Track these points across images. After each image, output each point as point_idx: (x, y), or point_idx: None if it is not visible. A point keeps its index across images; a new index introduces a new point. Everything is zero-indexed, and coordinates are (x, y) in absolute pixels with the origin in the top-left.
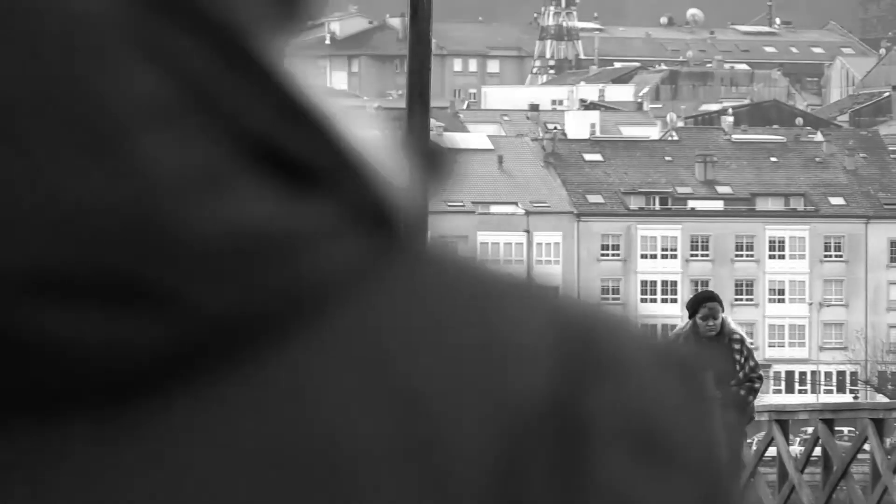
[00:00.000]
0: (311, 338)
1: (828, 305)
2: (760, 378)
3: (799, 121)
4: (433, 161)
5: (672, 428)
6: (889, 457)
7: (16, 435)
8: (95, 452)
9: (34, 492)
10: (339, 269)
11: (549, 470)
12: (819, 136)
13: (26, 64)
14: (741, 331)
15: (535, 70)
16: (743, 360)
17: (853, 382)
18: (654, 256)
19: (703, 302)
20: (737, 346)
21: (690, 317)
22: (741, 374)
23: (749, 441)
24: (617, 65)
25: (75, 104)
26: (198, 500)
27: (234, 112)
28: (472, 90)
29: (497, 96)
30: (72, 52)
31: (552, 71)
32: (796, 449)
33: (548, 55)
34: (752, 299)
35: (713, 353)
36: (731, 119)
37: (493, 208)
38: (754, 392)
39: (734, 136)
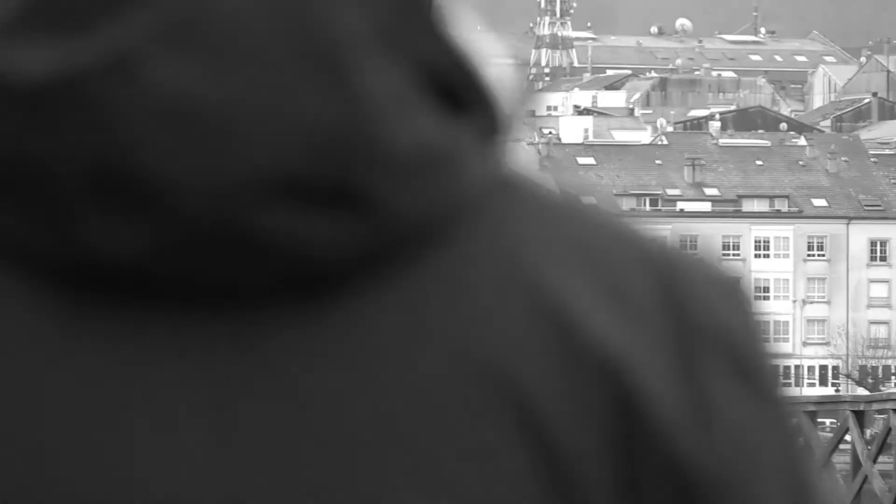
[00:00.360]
0: (465, 241)
1: (811, 302)
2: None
3: (783, 126)
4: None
5: (763, 365)
6: (869, 447)
7: (249, 313)
8: (302, 340)
9: (253, 357)
10: (482, 183)
11: (672, 382)
12: (802, 141)
13: (273, 7)
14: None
15: (530, 77)
16: None
17: (835, 376)
18: None
19: None
20: None
21: None
22: None
23: None
24: (609, 72)
25: (308, 41)
26: (380, 376)
27: (415, 50)
28: None
29: None
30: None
31: (547, 78)
32: None
33: (543, 63)
34: None
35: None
36: (718, 124)
37: None
38: None
39: (721, 141)
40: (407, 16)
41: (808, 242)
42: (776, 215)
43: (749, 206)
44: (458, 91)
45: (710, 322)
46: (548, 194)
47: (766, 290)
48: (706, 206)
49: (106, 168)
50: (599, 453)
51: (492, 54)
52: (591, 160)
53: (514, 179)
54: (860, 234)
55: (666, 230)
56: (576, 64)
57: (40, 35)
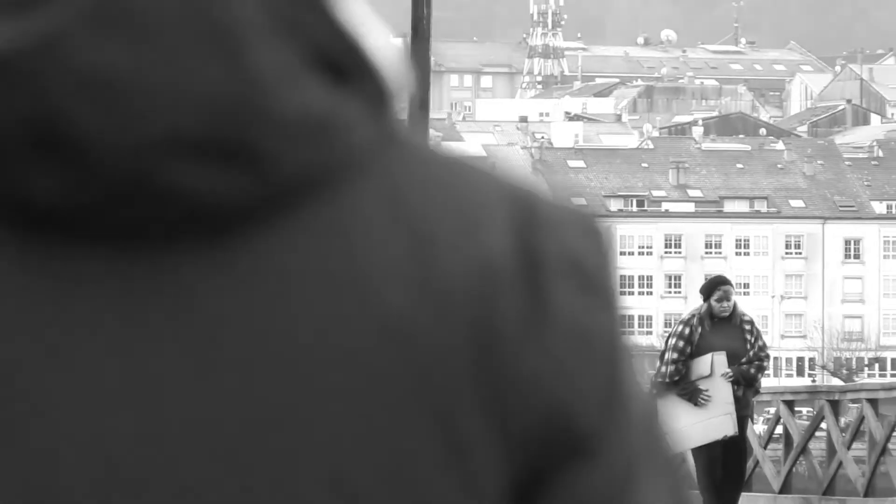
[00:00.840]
0: (354, 191)
1: (788, 298)
2: (768, 356)
3: (762, 131)
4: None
5: (604, 277)
6: (843, 434)
7: (152, 255)
8: (206, 270)
9: (160, 284)
10: (368, 142)
11: (518, 297)
12: (780, 145)
13: None
14: (749, 315)
15: (524, 85)
16: (753, 341)
17: (811, 367)
18: (631, 253)
19: (717, 285)
20: (747, 328)
21: (705, 300)
22: (751, 353)
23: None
24: (598, 80)
25: (211, 24)
26: (267, 307)
27: (305, 32)
28: (467, 103)
29: (489, 109)
30: None
31: (539, 86)
32: (760, 427)
33: (535, 72)
34: None
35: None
36: (701, 129)
37: None
38: (762, 370)
39: (704, 145)
40: (299, 2)
41: (786, 241)
42: (756, 215)
43: (730, 206)
44: (345, 66)
45: (553, 245)
46: (429, 151)
47: (747, 286)
48: (690, 207)
49: (39, 129)
50: (464, 367)
51: (377, 33)
52: (581, 163)
53: (401, 139)
54: (835, 234)
55: (652, 230)
56: (566, 73)
57: None
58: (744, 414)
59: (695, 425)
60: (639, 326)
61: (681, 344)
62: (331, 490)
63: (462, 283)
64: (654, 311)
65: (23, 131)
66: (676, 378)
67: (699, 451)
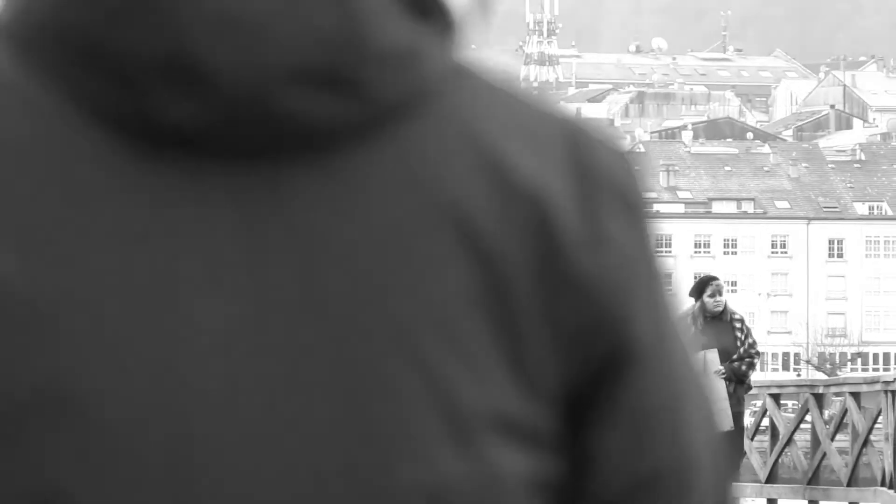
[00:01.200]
0: (431, 112)
1: (774, 296)
2: (758, 353)
3: (749, 135)
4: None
5: (641, 202)
6: (827, 426)
7: (268, 172)
8: (315, 184)
9: (278, 198)
10: (443, 70)
11: (575, 213)
12: (767, 149)
13: None
14: (740, 313)
15: None
16: (743, 338)
17: (796, 362)
18: None
19: (708, 282)
20: (737, 325)
21: (697, 298)
22: (742, 350)
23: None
24: (592, 86)
25: None
26: (371, 212)
27: None
28: None
29: None
30: None
31: (535, 92)
32: (747, 420)
33: (532, 78)
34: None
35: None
36: (690, 133)
37: None
38: (752, 366)
39: (693, 149)
40: None
41: (772, 241)
42: (743, 216)
43: (718, 207)
44: (424, 5)
45: (603, 171)
46: (492, 79)
47: (735, 284)
48: (680, 208)
49: (177, 59)
50: (526, 264)
51: None
52: None
53: (467, 68)
54: (819, 234)
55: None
56: (561, 79)
57: None
58: (737, 410)
59: None
60: None
61: None
62: (417, 369)
63: (526, 196)
64: None
65: (164, 62)
66: None
67: None
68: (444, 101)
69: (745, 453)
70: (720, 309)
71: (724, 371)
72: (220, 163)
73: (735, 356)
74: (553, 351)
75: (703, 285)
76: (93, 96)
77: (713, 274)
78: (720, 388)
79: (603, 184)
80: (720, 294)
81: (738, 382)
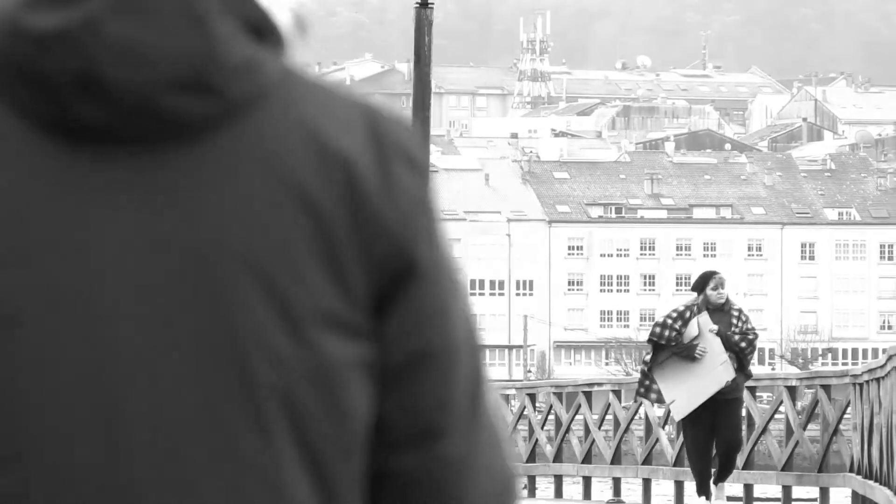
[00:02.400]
0: (269, 105)
1: (751, 295)
2: (756, 335)
3: (727, 146)
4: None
5: (423, 161)
6: (799, 417)
7: (151, 153)
8: (186, 161)
9: (156, 173)
10: (276, 75)
11: (374, 172)
12: (743, 159)
13: None
14: (739, 304)
15: (514, 105)
16: (741, 323)
17: (771, 357)
18: (610, 255)
19: (710, 276)
20: (735, 314)
21: (700, 292)
22: (738, 329)
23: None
24: (581, 101)
25: (186, 7)
26: (230, 186)
27: (239, 9)
28: (464, 121)
29: (484, 126)
30: None
31: (528, 106)
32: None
33: (525, 93)
34: (689, 290)
35: None
36: (672, 144)
37: (481, 216)
38: (751, 344)
39: (675, 158)
40: None
41: (749, 244)
42: (721, 221)
43: (699, 213)
44: (261, 28)
45: (393, 140)
46: (312, 79)
47: None
48: (662, 214)
49: (83, 75)
50: (341, 208)
51: (275, 5)
52: (565, 175)
53: (294, 72)
54: (792, 238)
55: (628, 234)
56: (552, 94)
57: (46, 7)
58: (734, 397)
59: (699, 381)
60: (617, 320)
61: (678, 324)
62: (263, 286)
63: (339, 161)
64: (631, 306)
65: (77, 78)
66: (673, 343)
67: (688, 427)
68: (278, 96)
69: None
70: (722, 301)
71: (716, 327)
72: (123, 149)
73: (735, 335)
74: (363, 269)
75: (705, 280)
76: (27, 106)
77: (714, 269)
78: (717, 346)
79: (393, 149)
80: (722, 287)
81: (738, 370)
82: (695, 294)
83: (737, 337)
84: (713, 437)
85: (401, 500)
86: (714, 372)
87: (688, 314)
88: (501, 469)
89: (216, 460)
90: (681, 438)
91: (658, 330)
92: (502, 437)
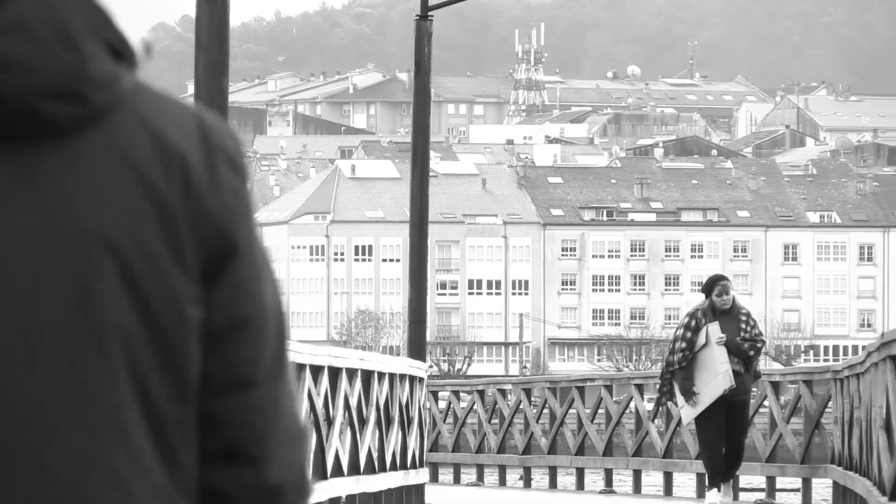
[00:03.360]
0: (123, 112)
1: (737, 294)
2: (763, 341)
3: (714, 152)
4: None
5: (241, 160)
6: (783, 410)
7: (30, 150)
8: (56, 157)
9: (23, 164)
10: (129, 88)
11: (202, 168)
12: (729, 164)
13: (43, 17)
14: (747, 308)
15: (510, 113)
16: (749, 328)
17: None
18: (602, 256)
19: (716, 282)
20: (743, 318)
21: (707, 296)
22: (747, 335)
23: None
24: (574, 109)
25: (60, 29)
26: (87, 175)
27: (102, 32)
28: (462, 128)
29: (481, 133)
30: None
31: (524, 113)
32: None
33: (520, 101)
34: (678, 289)
35: None
36: (661, 150)
37: (478, 219)
38: (756, 350)
39: (664, 164)
40: (99, 17)
41: (734, 246)
42: (708, 224)
43: (686, 216)
44: (121, 51)
45: (218, 143)
46: (157, 91)
47: (701, 284)
48: (652, 217)
49: None
50: (178, 199)
51: (133, 35)
52: (559, 179)
53: (144, 85)
54: (776, 239)
55: (619, 236)
56: (547, 102)
57: None
58: (743, 398)
59: (703, 389)
60: (609, 319)
61: (688, 335)
62: (115, 260)
63: (176, 158)
64: (621, 305)
65: None
66: (683, 364)
67: (701, 424)
68: (131, 104)
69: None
70: (727, 306)
71: (723, 337)
72: (8, 147)
73: (739, 339)
74: (194, 246)
75: (711, 285)
76: None
77: (722, 274)
78: (720, 355)
79: (218, 150)
80: (727, 293)
81: (745, 370)
82: (704, 297)
83: (746, 346)
84: (724, 434)
85: (221, 436)
86: (715, 380)
87: (693, 323)
88: (296, 414)
89: (72, 400)
90: (669, 431)
91: (671, 358)
92: (293, 389)
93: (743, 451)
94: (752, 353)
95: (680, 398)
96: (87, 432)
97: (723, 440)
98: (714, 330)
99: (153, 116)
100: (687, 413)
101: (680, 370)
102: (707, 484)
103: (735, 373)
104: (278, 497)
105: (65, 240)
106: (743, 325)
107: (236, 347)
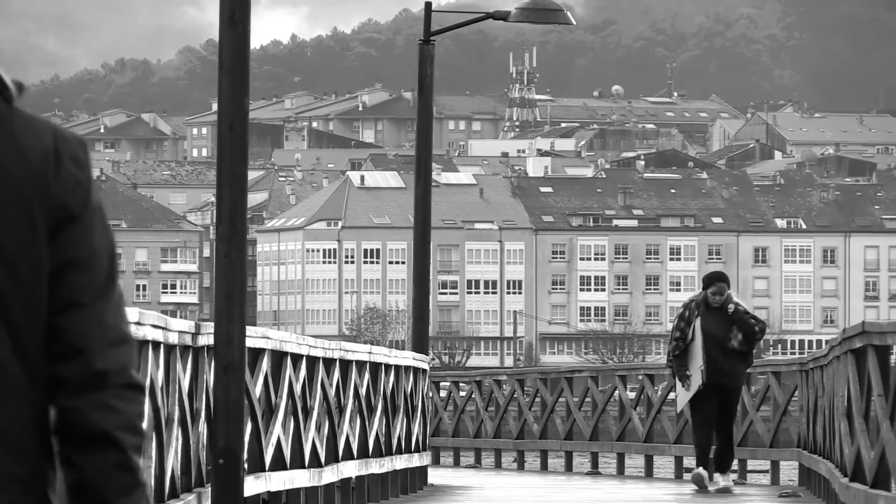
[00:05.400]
0: (3, 127)
1: None
2: (762, 327)
3: (690, 164)
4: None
5: (83, 157)
6: (753, 399)
7: None
8: None
9: None
10: (5, 111)
11: (52, 165)
12: (704, 175)
13: None
14: (743, 303)
15: (505, 128)
16: (743, 310)
17: None
18: (589, 259)
19: (714, 281)
20: (730, 313)
21: (705, 289)
22: (752, 319)
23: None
24: (563, 125)
25: None
26: None
27: None
28: (461, 142)
29: (479, 147)
30: None
31: (517, 129)
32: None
33: (514, 118)
34: (657, 289)
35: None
36: (642, 162)
37: (476, 225)
38: (761, 330)
39: (645, 175)
40: None
41: (709, 249)
42: (685, 229)
43: (665, 222)
44: (3, 93)
45: (67, 148)
46: (27, 114)
47: (678, 284)
48: (634, 223)
49: None
50: (35, 188)
51: (10, 78)
52: (549, 189)
53: (17, 110)
54: (747, 243)
55: (604, 240)
56: (538, 118)
57: None
58: (737, 386)
59: (681, 387)
60: (595, 315)
61: (681, 324)
62: None
63: (37, 158)
64: (606, 303)
65: None
66: (678, 352)
67: (695, 408)
68: (5, 124)
69: (688, 419)
70: (717, 306)
71: (734, 307)
72: None
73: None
74: (45, 219)
75: (709, 282)
76: None
77: (722, 273)
78: (698, 356)
79: (64, 152)
80: (720, 295)
81: (741, 361)
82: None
83: (752, 322)
84: (714, 419)
85: (62, 341)
86: (695, 377)
87: (686, 313)
88: (122, 328)
89: None
90: (650, 418)
91: (669, 347)
92: (124, 312)
93: (732, 437)
94: (756, 328)
95: (677, 386)
96: None
97: (713, 425)
98: (698, 326)
99: (19, 131)
100: (680, 400)
101: (675, 357)
102: (696, 463)
103: (730, 363)
104: (103, 378)
105: None
106: (731, 315)
107: (70, 278)
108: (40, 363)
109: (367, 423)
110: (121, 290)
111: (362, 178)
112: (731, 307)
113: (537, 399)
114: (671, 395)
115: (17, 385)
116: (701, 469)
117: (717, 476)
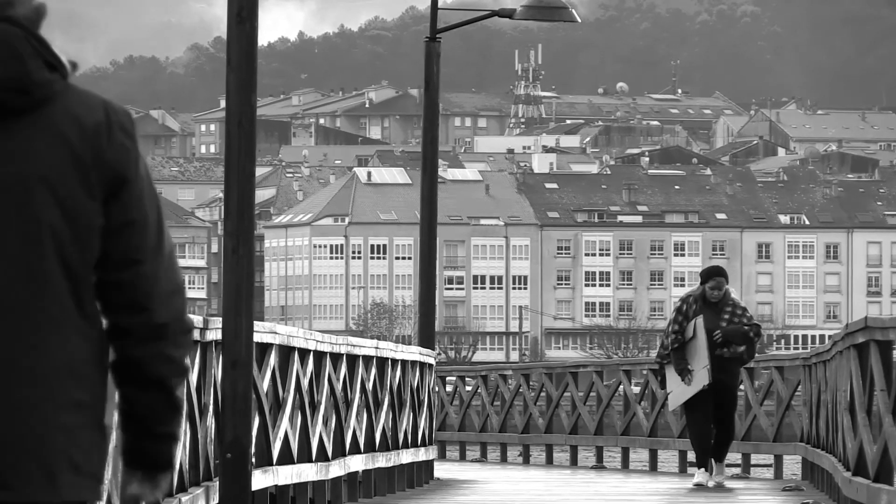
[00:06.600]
0: (54, 103)
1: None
2: (755, 328)
3: (694, 160)
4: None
5: (131, 128)
6: (757, 394)
7: None
8: (8, 130)
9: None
10: (60, 86)
11: (105, 133)
12: (708, 171)
13: None
14: (741, 301)
15: (511, 125)
16: (735, 319)
17: None
18: (594, 254)
19: (712, 276)
20: (728, 310)
21: (703, 283)
22: (745, 319)
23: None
24: (568, 121)
25: (7, 48)
26: (35, 146)
27: (39, 51)
28: (468, 139)
29: (485, 143)
30: None
31: (523, 125)
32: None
33: (520, 114)
34: (662, 284)
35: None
36: (647, 159)
37: (482, 221)
38: (756, 333)
39: (650, 171)
40: (41, 45)
41: (713, 245)
42: (689, 225)
43: (670, 218)
44: (55, 65)
45: (116, 118)
46: (80, 89)
47: (683, 279)
48: (638, 219)
49: None
50: (88, 155)
51: (63, 55)
52: (555, 185)
53: (71, 86)
54: (750, 239)
55: (609, 236)
56: (544, 115)
57: None
58: (732, 384)
59: (681, 383)
60: (599, 311)
61: (679, 318)
62: (52, 202)
63: (90, 129)
64: (611, 298)
65: None
66: (676, 346)
67: (692, 408)
68: (61, 98)
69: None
70: (715, 301)
71: (719, 335)
72: None
73: (744, 323)
74: (99, 182)
75: (707, 277)
76: None
77: (721, 268)
78: (703, 353)
79: (115, 122)
80: (719, 290)
81: (738, 362)
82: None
83: (751, 334)
84: (711, 417)
85: (122, 294)
86: (699, 375)
87: (685, 308)
88: (175, 279)
89: (17, 268)
90: (654, 412)
91: (665, 341)
92: (177, 265)
93: (733, 427)
94: (751, 334)
95: (670, 383)
96: (28, 288)
97: (710, 422)
98: (700, 324)
99: (74, 104)
100: (673, 399)
101: (673, 351)
102: (696, 464)
103: (726, 360)
104: (165, 330)
105: (15, 181)
106: (727, 318)
107: (128, 239)
108: (92, 305)
109: (373, 417)
110: (171, 243)
111: (369, 174)
112: (718, 336)
113: (542, 393)
114: (659, 390)
115: (77, 323)
116: (702, 476)
117: (715, 468)
